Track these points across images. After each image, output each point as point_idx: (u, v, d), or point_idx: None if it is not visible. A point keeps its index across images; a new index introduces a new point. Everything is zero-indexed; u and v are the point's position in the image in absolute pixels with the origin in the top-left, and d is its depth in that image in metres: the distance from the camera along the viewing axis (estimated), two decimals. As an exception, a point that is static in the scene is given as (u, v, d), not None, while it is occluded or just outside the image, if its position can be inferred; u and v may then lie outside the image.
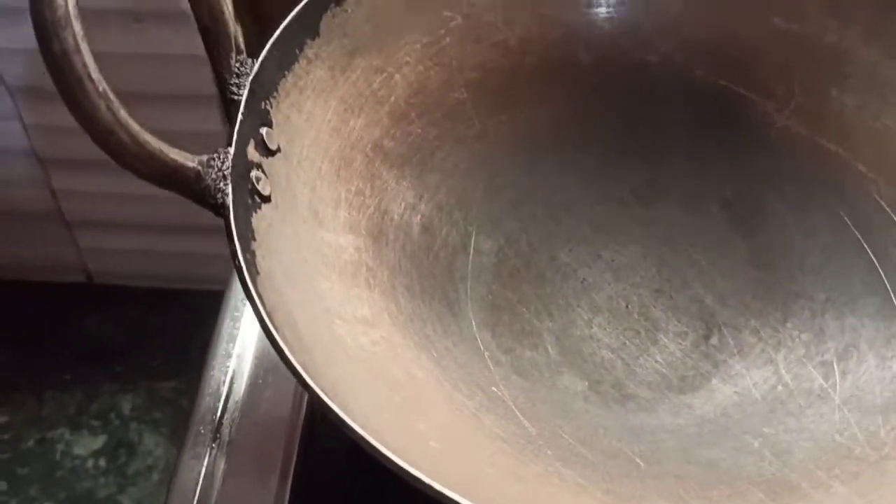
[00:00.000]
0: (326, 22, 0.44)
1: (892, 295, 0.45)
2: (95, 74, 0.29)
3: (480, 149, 0.50)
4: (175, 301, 0.73)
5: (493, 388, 0.44)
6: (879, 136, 0.48)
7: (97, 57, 0.64)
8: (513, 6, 0.49)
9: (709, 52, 0.50)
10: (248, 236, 0.35)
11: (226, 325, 0.49)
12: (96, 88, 0.29)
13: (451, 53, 0.49)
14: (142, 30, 0.61)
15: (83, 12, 0.63)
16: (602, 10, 0.51)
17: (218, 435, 0.45)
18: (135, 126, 0.31)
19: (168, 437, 0.71)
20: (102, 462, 0.70)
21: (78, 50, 0.29)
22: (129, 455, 0.71)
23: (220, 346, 0.48)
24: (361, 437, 0.30)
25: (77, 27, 0.28)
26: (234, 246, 0.34)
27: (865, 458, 0.38)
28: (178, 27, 0.59)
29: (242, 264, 0.33)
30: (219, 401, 0.46)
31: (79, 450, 0.71)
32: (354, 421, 0.31)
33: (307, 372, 0.31)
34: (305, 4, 0.43)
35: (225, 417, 0.46)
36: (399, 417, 0.36)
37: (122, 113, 0.30)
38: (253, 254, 0.35)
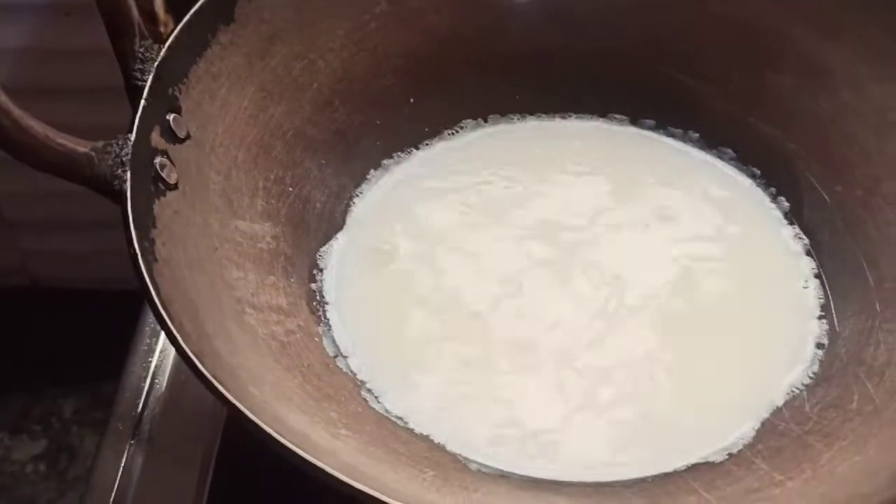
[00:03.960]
0: (242, 7, 0.43)
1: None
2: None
3: (408, 135, 0.49)
4: (119, 302, 0.71)
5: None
6: (813, 116, 0.48)
7: (26, 51, 0.63)
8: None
9: (644, 38, 0.49)
10: (147, 224, 0.34)
11: (149, 320, 0.48)
12: (-31, 69, 0.28)
13: (377, 39, 0.48)
14: (71, 23, 0.60)
15: (11, 7, 0.62)
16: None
17: (137, 431, 0.44)
18: (17, 111, 0.30)
19: (110, 439, 0.69)
20: (42, 467, 0.69)
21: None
22: (70, 459, 0.70)
23: (142, 342, 0.47)
24: (253, 424, 0.29)
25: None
26: (130, 233, 0.33)
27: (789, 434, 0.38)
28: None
29: (137, 251, 0.32)
30: (139, 397, 0.45)
31: (18, 455, 0.70)
32: (250, 409, 0.30)
33: (202, 361, 0.30)
34: (218, -11, 0.42)
35: (145, 413, 0.44)
36: (309, 404, 0.35)
37: (3, 97, 0.29)
38: (152, 241, 0.34)
